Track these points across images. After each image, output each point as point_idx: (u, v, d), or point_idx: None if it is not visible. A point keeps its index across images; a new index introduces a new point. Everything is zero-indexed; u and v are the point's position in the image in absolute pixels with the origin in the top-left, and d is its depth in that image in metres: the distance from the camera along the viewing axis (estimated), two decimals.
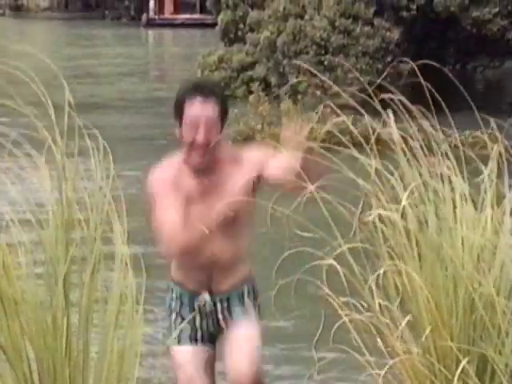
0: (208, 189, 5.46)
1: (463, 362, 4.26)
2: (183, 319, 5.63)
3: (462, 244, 4.56)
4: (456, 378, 4.23)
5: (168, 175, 5.50)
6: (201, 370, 5.62)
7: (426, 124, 4.74)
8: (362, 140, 4.62)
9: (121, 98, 27.14)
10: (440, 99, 4.81)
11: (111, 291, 4.31)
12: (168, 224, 5.34)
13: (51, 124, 4.31)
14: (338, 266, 4.47)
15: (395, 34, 24.64)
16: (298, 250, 4.71)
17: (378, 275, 4.52)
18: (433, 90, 4.86)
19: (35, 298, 4.28)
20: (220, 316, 5.63)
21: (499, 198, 4.69)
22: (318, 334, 4.60)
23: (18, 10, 51.06)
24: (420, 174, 4.68)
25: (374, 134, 4.66)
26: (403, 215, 4.59)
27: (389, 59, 24.07)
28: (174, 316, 5.72)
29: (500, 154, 4.72)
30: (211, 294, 5.61)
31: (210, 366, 5.74)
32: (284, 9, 26.96)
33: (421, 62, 5.04)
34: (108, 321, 4.29)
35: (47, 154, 4.34)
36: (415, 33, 25.72)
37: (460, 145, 4.78)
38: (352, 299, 4.60)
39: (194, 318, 5.61)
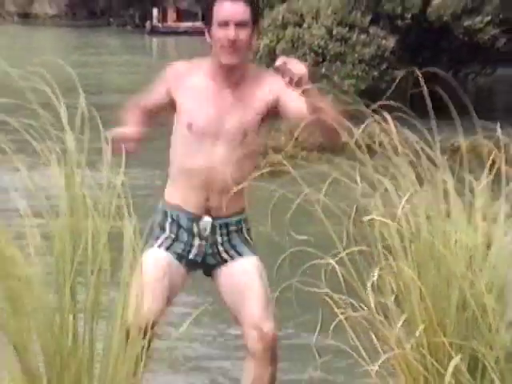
0: (228, 102, 5.12)
1: (456, 358, 4.27)
2: (179, 241, 5.26)
3: (455, 244, 4.55)
4: (449, 373, 4.24)
5: (193, 72, 5.23)
6: (166, 283, 5.10)
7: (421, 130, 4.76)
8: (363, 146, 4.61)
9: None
10: (451, 106, 4.79)
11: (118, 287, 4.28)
12: (195, 114, 5.12)
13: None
14: (337, 267, 4.48)
15: (390, 42, 24.82)
16: (297, 249, 4.70)
17: (374, 275, 4.54)
18: (427, 97, 4.86)
19: (44, 296, 4.27)
20: (221, 248, 5.28)
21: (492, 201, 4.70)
22: (317, 330, 4.60)
23: (26, 17, 51.13)
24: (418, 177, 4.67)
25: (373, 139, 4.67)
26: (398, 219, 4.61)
27: (384, 66, 24.28)
28: (166, 234, 5.28)
29: (494, 161, 4.73)
30: (211, 217, 5.21)
31: (175, 287, 5.24)
32: (283, 17, 27.16)
33: (427, 69, 4.94)
34: (114, 316, 4.26)
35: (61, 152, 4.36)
36: (410, 41, 25.82)
37: (462, 149, 4.78)
38: (349, 298, 4.59)
39: (191, 241, 5.25)
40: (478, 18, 26.19)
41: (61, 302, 4.22)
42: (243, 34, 4.98)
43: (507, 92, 30.29)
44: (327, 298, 4.51)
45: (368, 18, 25.34)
